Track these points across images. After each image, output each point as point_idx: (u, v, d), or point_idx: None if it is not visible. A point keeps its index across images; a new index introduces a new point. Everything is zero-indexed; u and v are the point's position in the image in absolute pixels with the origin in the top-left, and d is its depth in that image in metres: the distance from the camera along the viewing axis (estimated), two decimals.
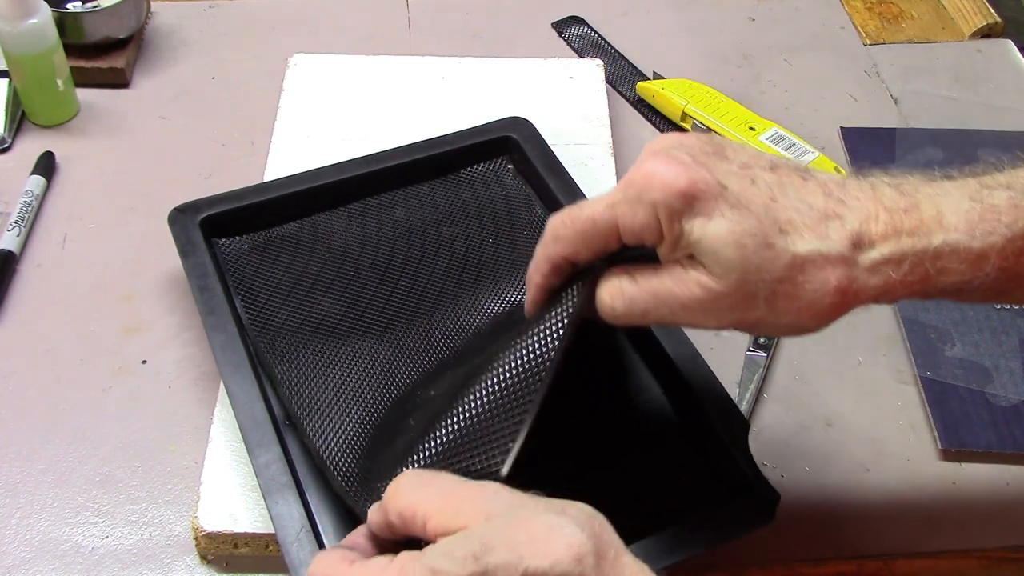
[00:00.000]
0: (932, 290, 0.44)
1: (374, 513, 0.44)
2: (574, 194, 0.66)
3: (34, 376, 0.63)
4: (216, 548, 0.54)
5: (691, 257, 0.42)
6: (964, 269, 0.43)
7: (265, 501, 0.51)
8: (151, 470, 0.59)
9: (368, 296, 0.62)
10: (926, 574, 0.57)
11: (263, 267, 0.64)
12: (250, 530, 0.54)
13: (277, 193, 0.66)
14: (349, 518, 0.52)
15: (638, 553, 0.42)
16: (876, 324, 0.68)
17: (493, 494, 0.41)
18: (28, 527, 0.56)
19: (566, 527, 0.39)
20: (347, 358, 0.59)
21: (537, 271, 0.47)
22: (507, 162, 0.71)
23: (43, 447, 0.59)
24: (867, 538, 0.57)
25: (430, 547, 0.40)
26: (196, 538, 0.54)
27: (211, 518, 0.54)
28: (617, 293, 0.44)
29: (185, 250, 0.62)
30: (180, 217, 0.64)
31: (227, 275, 0.62)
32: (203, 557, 0.55)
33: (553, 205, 0.66)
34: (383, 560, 0.41)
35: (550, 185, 0.67)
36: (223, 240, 0.65)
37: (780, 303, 0.42)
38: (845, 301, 0.42)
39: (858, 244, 0.42)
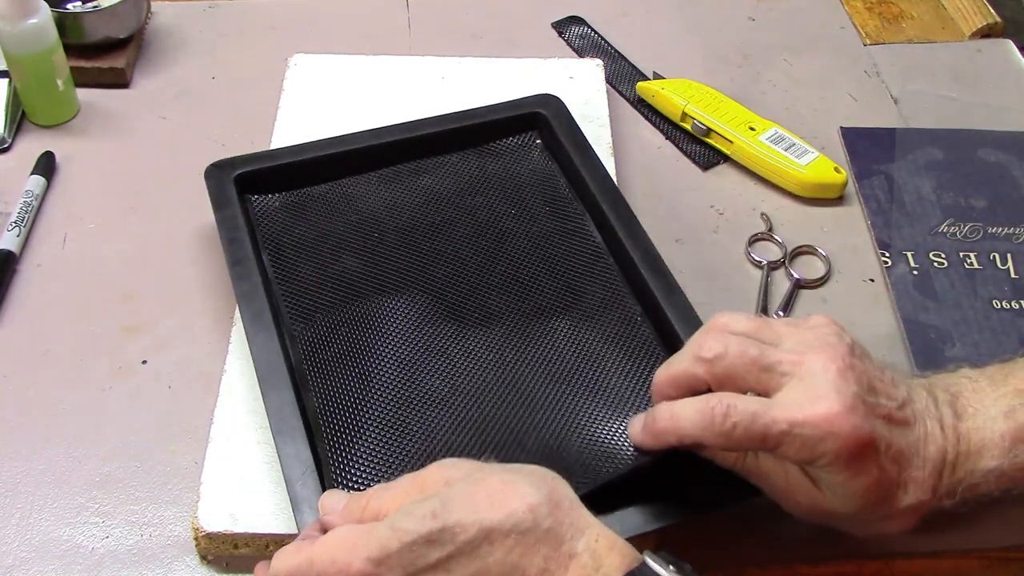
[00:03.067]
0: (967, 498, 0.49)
1: (345, 501, 0.47)
2: (599, 172, 0.68)
3: (34, 376, 0.63)
4: (216, 548, 0.54)
5: (825, 484, 0.47)
6: (997, 487, 0.48)
7: (275, 441, 0.53)
8: (151, 470, 0.59)
9: (390, 257, 0.65)
10: (926, 574, 0.57)
11: (292, 224, 0.67)
12: (250, 530, 0.54)
13: (311, 155, 0.69)
14: (354, 462, 0.54)
15: (630, 518, 0.46)
16: (876, 324, 0.68)
17: (452, 464, 0.44)
18: (28, 527, 0.56)
19: (520, 483, 0.42)
20: (361, 316, 0.61)
21: (674, 436, 0.49)
22: (535, 137, 0.73)
23: (43, 447, 0.59)
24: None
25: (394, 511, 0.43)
26: (196, 538, 0.54)
27: (211, 518, 0.54)
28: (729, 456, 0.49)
29: (219, 203, 0.65)
30: (216, 172, 0.67)
31: (256, 229, 0.66)
32: (203, 557, 0.55)
33: (577, 181, 0.69)
34: (348, 526, 0.43)
35: (575, 162, 0.69)
36: (256, 197, 0.68)
37: (868, 527, 0.48)
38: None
39: (935, 484, 0.47)
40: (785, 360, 0.46)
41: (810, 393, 0.45)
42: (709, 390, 0.48)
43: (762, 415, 0.45)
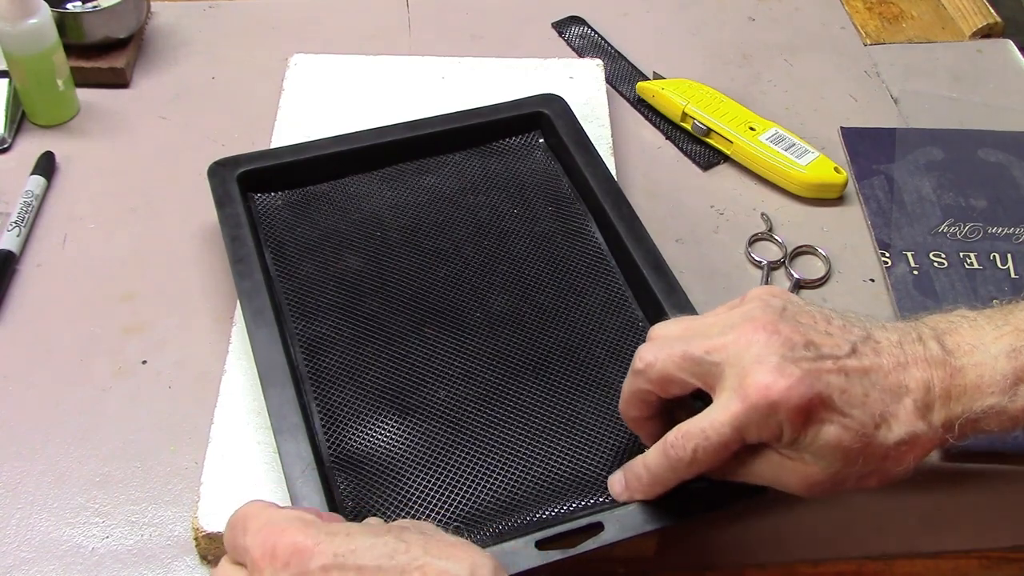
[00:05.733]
0: (974, 435, 0.48)
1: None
2: (602, 172, 0.68)
3: (34, 376, 0.63)
4: (216, 548, 0.54)
5: (799, 450, 0.46)
6: (999, 426, 0.47)
7: (275, 438, 0.53)
8: (151, 470, 0.59)
9: (392, 256, 0.65)
10: (926, 574, 0.57)
11: (295, 222, 0.67)
12: None
13: (314, 153, 0.69)
14: (354, 461, 0.55)
15: (630, 518, 0.47)
16: None
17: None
18: (28, 527, 0.56)
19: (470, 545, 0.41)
20: (362, 316, 0.61)
21: (664, 489, 0.50)
22: (538, 137, 0.73)
23: (43, 447, 0.59)
24: (867, 538, 0.57)
25: None
26: (196, 538, 0.54)
27: (211, 518, 0.54)
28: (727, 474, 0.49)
29: (221, 201, 0.66)
30: (219, 170, 0.67)
31: (259, 228, 0.66)
32: (203, 557, 0.55)
33: (580, 181, 0.69)
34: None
35: (578, 162, 0.69)
36: (258, 195, 0.68)
37: (869, 481, 0.47)
38: (919, 464, 0.48)
39: (924, 416, 0.46)
40: (711, 348, 0.47)
41: (739, 377, 0.45)
42: (662, 401, 0.50)
43: (708, 427, 0.46)
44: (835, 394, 0.45)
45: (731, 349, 0.46)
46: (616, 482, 0.52)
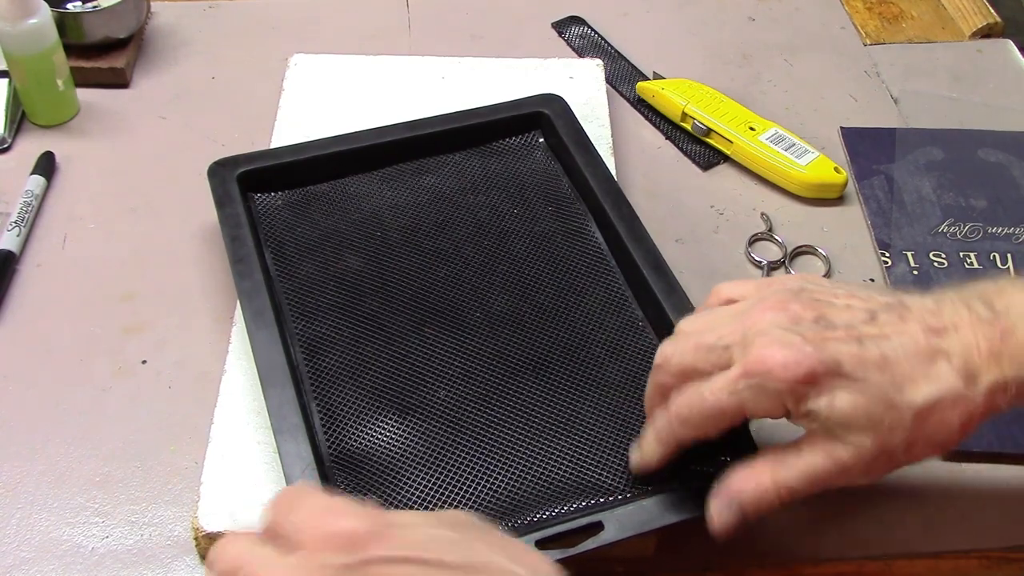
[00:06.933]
0: None
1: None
2: (602, 172, 0.68)
3: (34, 376, 0.63)
4: None
5: (826, 429, 0.45)
6: None
7: (275, 438, 0.53)
8: (151, 470, 0.59)
9: (392, 256, 0.65)
10: (926, 574, 0.57)
11: (294, 222, 0.67)
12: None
13: (314, 153, 0.69)
14: (354, 461, 0.54)
15: (630, 517, 0.47)
16: None
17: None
18: (28, 527, 0.56)
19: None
20: (362, 316, 0.61)
21: (664, 448, 0.50)
22: (539, 137, 0.73)
23: (43, 447, 0.59)
24: (867, 538, 0.57)
25: None
26: (196, 538, 0.54)
27: (211, 518, 0.54)
28: (774, 492, 0.47)
29: (221, 201, 0.66)
30: (219, 170, 0.67)
31: (259, 228, 0.66)
32: (203, 557, 0.55)
33: (580, 181, 0.69)
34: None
35: (578, 162, 0.69)
36: (258, 195, 0.68)
37: (917, 450, 0.46)
38: (968, 430, 0.46)
39: (967, 377, 0.45)
40: (723, 334, 0.47)
41: (743, 353, 0.46)
42: None
43: (707, 390, 0.46)
44: (845, 360, 0.44)
45: (740, 332, 0.47)
46: (633, 451, 0.53)
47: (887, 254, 0.72)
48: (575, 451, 0.55)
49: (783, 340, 0.45)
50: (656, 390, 0.51)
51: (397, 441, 0.55)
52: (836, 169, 0.76)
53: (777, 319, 0.46)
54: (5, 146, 0.77)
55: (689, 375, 0.49)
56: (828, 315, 0.46)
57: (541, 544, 0.49)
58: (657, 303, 0.60)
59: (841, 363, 0.44)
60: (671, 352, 0.49)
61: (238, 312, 0.63)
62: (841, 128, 0.82)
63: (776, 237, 0.73)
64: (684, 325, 0.51)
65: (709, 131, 0.79)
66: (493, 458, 0.55)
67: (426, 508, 0.53)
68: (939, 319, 0.46)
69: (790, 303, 0.47)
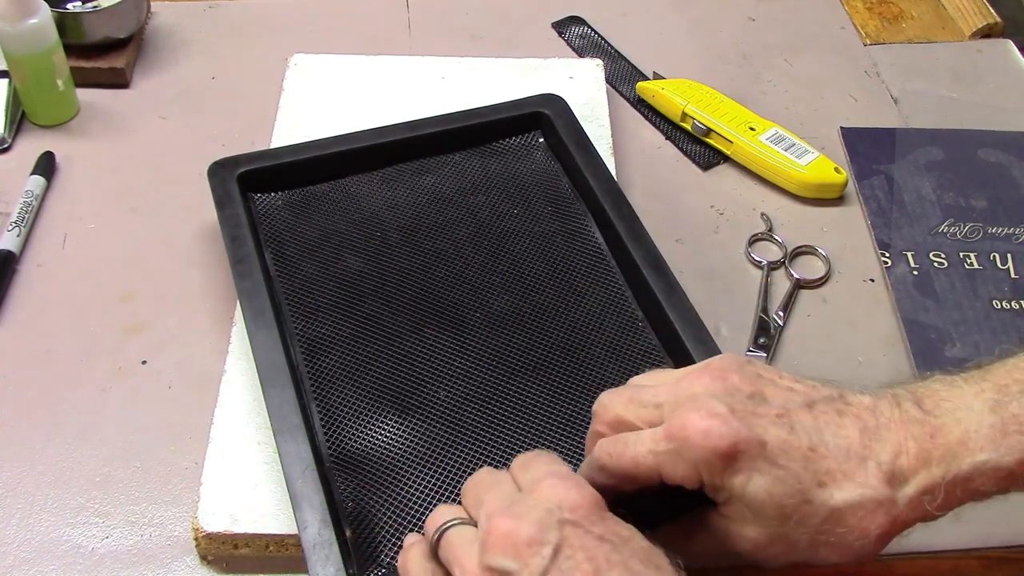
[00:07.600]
0: (968, 501, 0.45)
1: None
2: (602, 172, 0.68)
3: (34, 376, 0.63)
4: (216, 549, 0.54)
5: (734, 507, 0.44)
6: (996, 485, 0.44)
7: (275, 438, 0.53)
8: (151, 470, 0.59)
9: (392, 257, 0.65)
10: (926, 574, 0.57)
11: (294, 223, 0.67)
12: (250, 531, 0.54)
13: (314, 153, 0.69)
14: (354, 461, 0.55)
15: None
16: (876, 324, 0.68)
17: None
18: (28, 527, 0.56)
19: None
20: (362, 316, 0.61)
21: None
22: (539, 137, 0.73)
23: (43, 447, 0.59)
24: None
25: None
26: (196, 539, 0.54)
27: (211, 518, 0.54)
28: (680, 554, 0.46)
29: (221, 202, 0.66)
30: (219, 171, 0.67)
31: (259, 228, 0.66)
32: (203, 558, 0.55)
33: (580, 182, 0.69)
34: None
35: (578, 162, 0.69)
36: (258, 195, 0.68)
37: (821, 550, 0.44)
38: (887, 538, 0.44)
39: (892, 482, 0.43)
40: (658, 392, 0.46)
41: (671, 415, 0.45)
42: None
43: (631, 441, 0.45)
44: (772, 442, 0.43)
45: (674, 392, 0.45)
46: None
47: (887, 254, 0.72)
48: (575, 450, 0.55)
49: (710, 408, 0.43)
50: (591, 436, 0.50)
51: (397, 441, 0.55)
52: (836, 169, 0.76)
53: (712, 387, 0.45)
54: (5, 146, 0.77)
55: (621, 427, 0.47)
56: (765, 392, 0.45)
57: None
58: (657, 303, 0.60)
59: (766, 444, 0.43)
60: (608, 402, 0.48)
61: (238, 312, 0.63)
62: (841, 128, 0.82)
63: (776, 237, 0.73)
64: (634, 379, 0.50)
65: (709, 131, 0.79)
66: (493, 458, 0.55)
67: (426, 508, 0.53)
68: (875, 417, 0.45)
69: (731, 374, 0.45)
